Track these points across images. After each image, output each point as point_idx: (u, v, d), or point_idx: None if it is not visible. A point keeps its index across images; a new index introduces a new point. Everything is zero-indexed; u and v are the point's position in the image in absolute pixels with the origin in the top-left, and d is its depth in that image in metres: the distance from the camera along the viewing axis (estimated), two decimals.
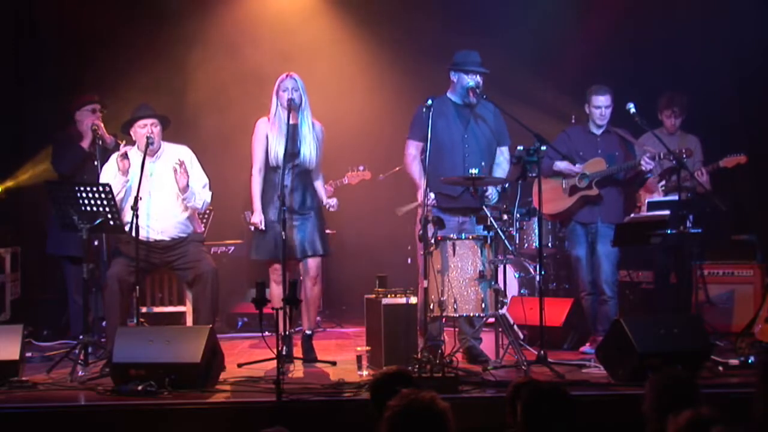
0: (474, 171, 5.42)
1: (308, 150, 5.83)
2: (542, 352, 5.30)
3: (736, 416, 2.84)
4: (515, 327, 6.06)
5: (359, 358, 5.33)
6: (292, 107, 5.76)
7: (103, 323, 5.97)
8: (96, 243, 6.14)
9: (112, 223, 5.46)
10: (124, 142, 6.36)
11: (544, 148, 5.45)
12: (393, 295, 5.45)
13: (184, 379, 4.75)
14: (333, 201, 5.92)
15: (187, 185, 5.77)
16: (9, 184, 7.61)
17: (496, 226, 5.34)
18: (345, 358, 5.84)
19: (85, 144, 6.53)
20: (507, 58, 7.53)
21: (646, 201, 6.65)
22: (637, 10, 8.04)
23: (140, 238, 5.54)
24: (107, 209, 5.40)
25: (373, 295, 5.59)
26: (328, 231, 6.12)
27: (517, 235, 7.10)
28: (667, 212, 6.09)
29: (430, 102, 5.55)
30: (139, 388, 4.64)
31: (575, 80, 7.60)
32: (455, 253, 5.33)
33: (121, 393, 4.66)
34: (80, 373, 5.17)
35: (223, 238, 7.88)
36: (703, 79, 7.59)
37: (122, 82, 7.47)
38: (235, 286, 7.60)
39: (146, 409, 4.49)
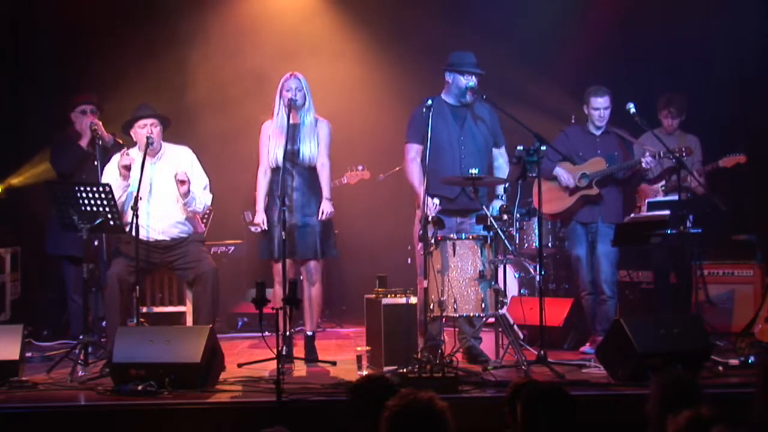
0: (474, 171, 5.42)
1: (308, 149, 5.82)
2: (542, 352, 5.30)
3: (736, 416, 2.83)
4: (515, 327, 6.06)
5: (359, 358, 5.33)
6: (293, 107, 5.76)
7: (103, 323, 5.97)
8: (96, 243, 6.14)
9: (112, 223, 5.46)
10: (122, 142, 6.37)
11: (544, 148, 5.45)
12: (393, 295, 5.46)
13: (184, 379, 4.75)
14: (327, 208, 5.86)
15: (188, 192, 5.77)
16: (9, 184, 7.61)
17: (496, 226, 5.34)
18: (345, 358, 5.84)
19: (84, 143, 6.54)
20: (507, 57, 7.54)
21: (646, 201, 6.65)
22: (636, 10, 8.04)
23: (140, 238, 5.54)
24: (107, 209, 5.40)
25: (373, 295, 5.59)
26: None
27: (517, 235, 7.10)
28: (667, 212, 6.10)
29: (429, 102, 5.55)
30: (139, 388, 4.64)
31: (575, 80, 7.60)
32: (455, 253, 5.32)
33: (121, 393, 4.66)
34: (80, 373, 5.17)
35: (223, 238, 7.88)
36: (703, 79, 7.60)
37: (122, 82, 7.48)
38: (235, 286, 7.60)
39: (146, 409, 4.49)
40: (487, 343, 5.90)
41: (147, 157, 5.76)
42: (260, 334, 5.03)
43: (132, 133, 5.89)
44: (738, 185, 7.42)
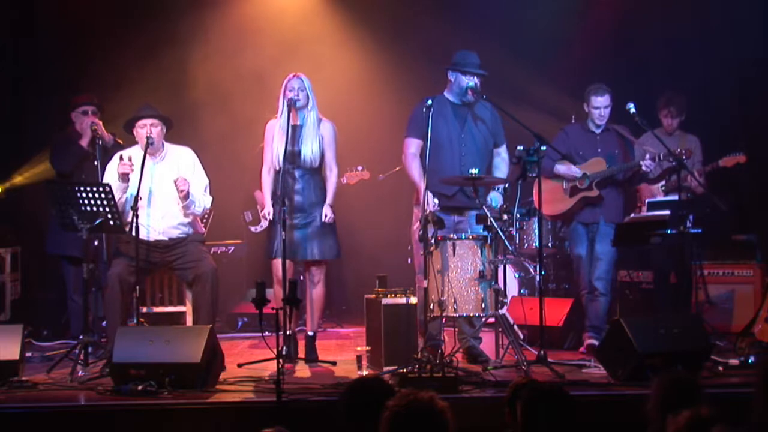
0: (474, 171, 5.42)
1: (309, 150, 5.82)
2: (542, 352, 5.30)
3: (736, 416, 2.83)
4: (515, 327, 6.06)
5: (359, 358, 5.33)
6: (293, 107, 5.76)
7: (103, 323, 5.97)
8: (96, 243, 6.14)
9: (112, 223, 5.46)
10: (122, 142, 6.37)
11: (544, 148, 5.45)
12: (393, 295, 5.46)
13: (184, 379, 4.75)
14: (328, 213, 5.85)
15: (188, 196, 5.77)
16: (9, 183, 7.61)
17: (496, 226, 5.34)
18: (345, 358, 5.84)
19: (84, 143, 6.53)
20: (507, 57, 7.54)
21: (646, 201, 6.65)
22: (636, 9, 8.04)
23: (141, 237, 5.54)
24: (107, 209, 5.40)
25: (373, 295, 5.59)
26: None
27: (517, 235, 7.11)
28: (667, 212, 6.09)
29: (430, 102, 5.55)
30: (139, 388, 4.64)
31: (575, 80, 7.59)
32: (455, 253, 5.33)
33: (121, 393, 4.66)
34: (80, 373, 5.17)
35: (223, 238, 7.87)
36: (703, 79, 7.59)
37: (122, 82, 7.49)
38: (235, 286, 7.60)
39: (146, 409, 4.49)
40: (487, 343, 5.90)
41: (149, 157, 5.77)
42: (260, 334, 5.03)
43: (134, 133, 5.89)
44: (738, 185, 7.41)
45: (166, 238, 5.85)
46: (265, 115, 6.02)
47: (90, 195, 5.38)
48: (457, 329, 5.63)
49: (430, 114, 5.52)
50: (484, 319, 5.72)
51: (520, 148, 5.51)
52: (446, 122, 5.80)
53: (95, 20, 7.77)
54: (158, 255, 5.86)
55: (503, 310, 5.71)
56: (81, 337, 5.44)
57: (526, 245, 7.54)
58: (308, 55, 7.79)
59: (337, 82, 7.82)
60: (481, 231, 5.45)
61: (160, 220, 5.83)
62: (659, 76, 7.87)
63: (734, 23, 7.61)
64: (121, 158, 5.79)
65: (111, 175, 5.81)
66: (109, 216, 5.42)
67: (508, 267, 6.23)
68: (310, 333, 5.93)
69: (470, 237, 5.43)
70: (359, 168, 7.52)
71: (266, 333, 5.02)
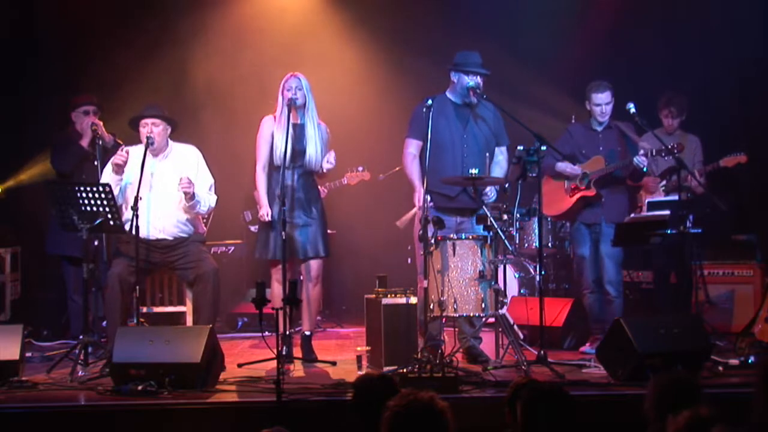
0: (474, 171, 5.42)
1: (314, 150, 5.83)
2: (542, 352, 5.30)
3: (736, 416, 2.83)
4: (515, 327, 6.06)
5: (359, 358, 5.33)
6: (292, 106, 5.76)
7: (103, 323, 5.97)
8: (96, 243, 6.13)
9: (112, 223, 5.46)
10: (122, 142, 6.37)
11: (544, 148, 5.45)
12: (393, 295, 5.45)
13: (184, 379, 4.75)
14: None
15: (193, 196, 5.77)
16: (9, 184, 7.61)
17: (496, 226, 5.34)
18: (345, 358, 5.84)
19: (85, 143, 6.54)
20: (507, 57, 7.54)
21: (646, 201, 6.65)
22: (637, 9, 8.04)
23: (141, 236, 5.53)
24: (107, 209, 5.40)
25: (373, 295, 5.59)
26: (328, 231, 6.11)
27: (517, 235, 7.10)
28: (667, 212, 6.09)
29: (430, 102, 5.55)
30: (139, 388, 4.64)
31: (575, 80, 7.59)
32: (455, 253, 5.32)
33: (121, 393, 4.66)
34: (80, 373, 5.17)
35: (223, 238, 7.88)
36: (703, 79, 7.59)
37: (123, 82, 7.49)
38: (235, 286, 7.60)
39: (146, 409, 4.49)
40: (487, 343, 5.90)
41: (153, 156, 5.77)
42: (260, 334, 5.03)
43: (139, 131, 5.90)
44: (738, 185, 7.41)
45: (168, 237, 5.85)
46: (265, 115, 6.01)
47: (90, 195, 5.38)
48: (457, 329, 5.62)
49: (431, 114, 5.52)
50: (484, 319, 5.72)
51: (520, 148, 5.51)
52: (448, 122, 5.80)
53: (95, 20, 7.77)
54: (159, 255, 5.86)
55: (503, 310, 5.71)
56: (81, 337, 5.44)
57: (526, 245, 7.55)
58: (308, 54, 7.79)
59: (338, 82, 7.83)
60: (481, 231, 5.45)
61: (161, 219, 5.82)
62: (659, 76, 7.87)
63: (734, 23, 7.61)
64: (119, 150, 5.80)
65: (105, 173, 5.82)
66: (109, 216, 5.42)
67: (508, 267, 6.23)
68: (307, 332, 5.93)
69: (470, 237, 5.43)
70: (359, 168, 7.52)
71: (266, 333, 5.02)
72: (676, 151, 5.91)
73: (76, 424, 4.46)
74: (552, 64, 7.92)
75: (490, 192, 5.75)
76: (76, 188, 5.41)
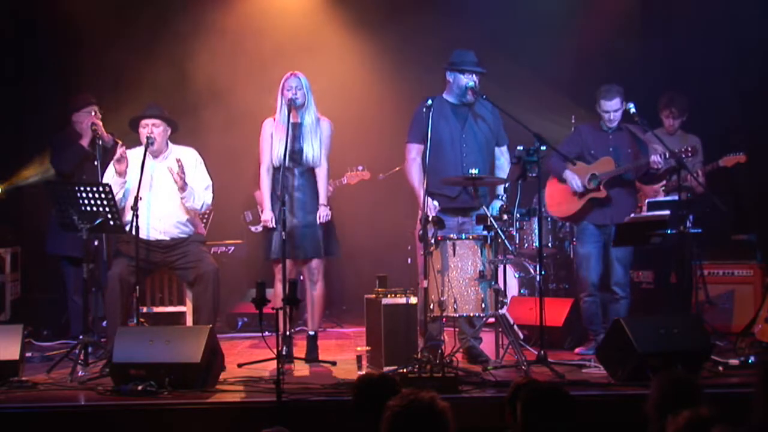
0: (474, 171, 5.42)
1: (310, 149, 5.82)
2: (542, 352, 5.30)
3: (736, 416, 2.83)
4: (515, 327, 6.05)
5: (359, 358, 5.33)
6: (292, 106, 5.76)
7: (103, 323, 5.97)
8: (96, 243, 6.14)
9: (112, 223, 5.46)
10: (121, 142, 6.37)
11: (544, 148, 5.44)
12: (393, 295, 5.46)
13: (184, 379, 4.75)
14: (324, 212, 5.85)
15: (185, 185, 5.76)
16: (9, 184, 7.61)
17: (496, 226, 5.34)
18: (345, 358, 5.84)
19: (85, 143, 6.54)
20: (507, 57, 7.54)
21: (646, 201, 6.64)
22: (637, 10, 8.04)
23: (141, 237, 5.53)
24: (107, 209, 5.40)
25: (373, 295, 5.59)
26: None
27: (517, 235, 7.10)
28: (667, 212, 6.07)
29: (430, 102, 5.55)
30: (139, 388, 4.64)
31: (575, 80, 7.61)
32: (455, 253, 5.33)
33: (121, 393, 4.66)
34: (80, 373, 5.17)
35: (223, 238, 7.87)
36: (703, 79, 7.59)
37: (122, 82, 7.49)
38: (235, 286, 7.60)
39: (146, 409, 4.49)
40: (487, 343, 5.90)
41: (153, 158, 5.77)
42: (260, 334, 5.03)
43: (139, 132, 5.90)
44: (738, 185, 7.41)
45: (168, 238, 5.85)
46: (265, 116, 6.02)
47: (90, 195, 5.38)
48: (457, 329, 5.62)
49: (431, 114, 5.52)
50: (484, 319, 5.72)
51: (520, 148, 5.50)
52: (447, 122, 5.80)
53: (95, 20, 7.76)
54: (159, 255, 5.86)
55: (503, 310, 5.71)
56: (81, 337, 5.44)
57: (526, 245, 7.54)
58: (309, 54, 7.78)
59: (338, 82, 7.82)
60: (481, 231, 5.44)
61: (160, 220, 5.83)
62: (659, 76, 7.87)
63: (734, 23, 7.61)
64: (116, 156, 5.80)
65: (108, 176, 5.82)
66: (109, 216, 5.42)
67: (508, 267, 6.23)
68: (311, 333, 5.93)
69: (470, 237, 5.43)
70: (359, 168, 7.52)
71: (266, 333, 5.02)
72: (690, 155, 5.89)
73: (76, 424, 4.46)
74: (552, 64, 7.92)
75: (493, 209, 5.69)
76: (76, 188, 5.41)
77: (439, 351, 4.99)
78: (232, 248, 7.88)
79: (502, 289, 5.49)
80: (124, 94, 7.06)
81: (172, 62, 7.75)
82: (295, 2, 8.44)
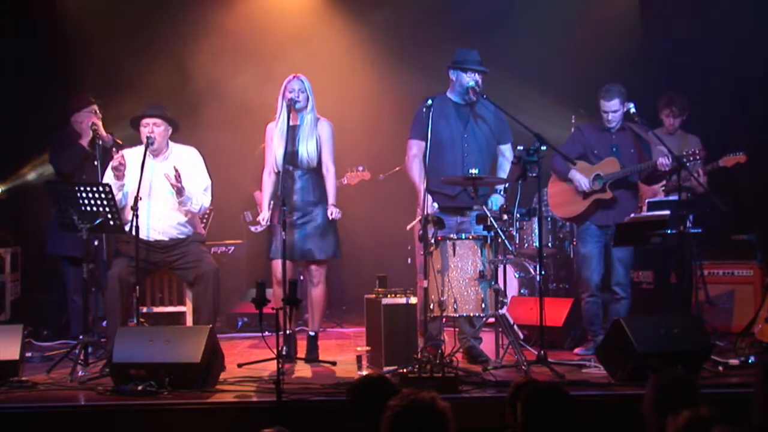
0: (474, 171, 5.42)
1: (305, 150, 5.81)
2: (542, 352, 5.30)
3: (736, 416, 2.83)
4: (515, 327, 6.05)
5: (359, 358, 5.33)
6: (292, 108, 5.76)
7: (103, 323, 5.97)
8: (96, 243, 6.14)
9: (112, 223, 5.46)
10: (121, 142, 6.38)
11: (544, 148, 5.44)
12: (393, 295, 5.46)
13: (184, 379, 4.75)
14: (335, 211, 5.86)
15: (182, 190, 5.76)
16: (9, 184, 7.61)
17: (496, 226, 5.34)
18: (345, 358, 5.84)
19: (85, 143, 6.54)
20: (507, 56, 7.54)
21: (646, 201, 6.64)
22: (637, 10, 8.05)
23: (141, 237, 5.53)
24: (107, 209, 5.40)
25: (373, 295, 5.59)
26: None
27: (517, 235, 7.09)
28: (667, 212, 6.07)
29: (430, 102, 5.55)
30: (139, 388, 4.64)
31: (575, 80, 7.61)
32: (455, 253, 5.33)
33: (121, 393, 4.67)
34: (80, 373, 5.17)
35: (223, 238, 7.88)
36: (703, 79, 7.59)
37: (122, 82, 7.48)
38: (235, 286, 7.60)
39: (146, 409, 4.50)
40: (487, 343, 5.90)
41: (153, 157, 5.77)
42: (260, 334, 5.03)
43: (140, 131, 5.90)
44: (738, 185, 7.41)
45: (166, 238, 5.85)
46: (266, 117, 6.01)
47: (90, 195, 5.38)
48: (457, 329, 5.62)
49: (431, 114, 5.52)
50: (484, 319, 5.72)
51: (520, 148, 5.50)
52: (448, 122, 5.80)
53: (95, 20, 7.77)
54: (158, 255, 5.86)
55: (503, 310, 5.71)
56: (81, 337, 5.44)
57: (526, 245, 7.54)
58: (309, 54, 7.79)
59: (338, 82, 7.83)
60: (481, 231, 5.44)
61: (160, 220, 5.82)
62: (659, 76, 7.87)
63: (735, 23, 7.61)
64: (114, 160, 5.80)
65: (108, 176, 5.83)
66: (109, 216, 5.42)
67: (508, 267, 6.22)
68: (312, 333, 5.93)
69: (470, 237, 5.43)
70: (360, 168, 7.52)
71: (266, 333, 5.02)
72: (698, 158, 5.87)
73: (76, 424, 4.46)
74: (552, 64, 7.92)
75: (493, 204, 5.70)
76: (76, 188, 5.41)
77: (439, 351, 4.99)
78: (232, 248, 7.88)
79: (502, 289, 5.49)
80: (124, 94, 7.06)
81: (172, 62, 7.75)
82: (295, 2, 8.43)
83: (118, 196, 5.68)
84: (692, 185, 6.24)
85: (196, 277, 5.85)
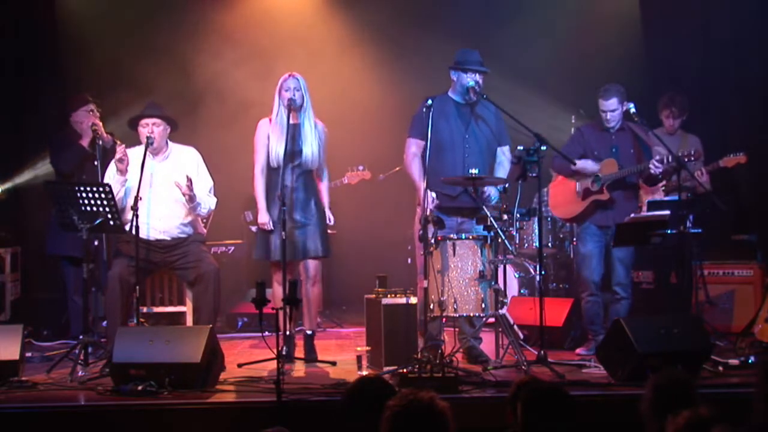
0: (474, 171, 5.42)
1: (310, 150, 5.82)
2: (542, 352, 5.30)
3: (736, 416, 2.83)
4: (515, 327, 6.05)
5: (359, 358, 5.33)
6: (292, 107, 5.76)
7: (103, 323, 5.97)
8: (96, 243, 6.14)
9: (112, 223, 5.46)
10: (120, 142, 6.37)
11: (544, 148, 5.44)
12: (393, 295, 5.45)
13: (184, 379, 4.75)
14: (331, 216, 5.90)
15: (193, 198, 5.76)
16: (9, 184, 7.61)
17: (496, 226, 5.34)
18: (345, 358, 5.84)
19: (85, 143, 6.54)
20: (507, 55, 7.54)
21: (646, 201, 6.64)
22: (637, 10, 8.05)
23: (141, 237, 5.53)
24: (107, 209, 5.40)
25: (373, 295, 5.59)
26: (329, 231, 6.11)
27: (517, 235, 7.09)
28: (667, 212, 6.07)
29: (430, 102, 5.55)
30: (139, 388, 4.64)
31: (575, 81, 7.61)
32: (455, 253, 5.32)
33: (121, 393, 4.66)
34: (80, 373, 5.17)
35: (223, 238, 7.88)
36: (703, 79, 7.59)
37: (122, 82, 7.49)
38: (235, 286, 7.60)
39: (146, 409, 4.49)
40: (487, 343, 5.90)
41: (152, 157, 5.77)
42: (260, 334, 5.03)
43: (138, 131, 5.89)
44: (738, 185, 7.41)
45: (168, 238, 5.85)
46: (266, 115, 6.01)
47: (90, 195, 5.38)
48: (457, 329, 5.62)
49: (431, 114, 5.52)
50: (484, 319, 5.72)
51: (520, 148, 5.50)
52: (449, 122, 5.80)
53: (95, 20, 7.77)
54: (159, 255, 5.86)
55: (503, 310, 5.71)
56: (81, 337, 5.44)
57: (526, 245, 7.54)
58: (309, 53, 7.79)
59: (338, 82, 7.83)
60: (482, 231, 5.44)
61: (161, 220, 5.83)
62: (659, 76, 7.87)
63: (735, 23, 7.61)
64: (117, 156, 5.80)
65: (110, 174, 5.82)
66: (109, 216, 5.42)
67: (508, 267, 6.22)
68: (309, 332, 5.93)
69: (470, 237, 5.43)
70: (360, 168, 7.52)
71: (266, 333, 5.02)
72: (693, 158, 5.87)
73: (76, 424, 4.46)
74: (551, 64, 7.92)
75: (490, 194, 5.73)
76: (76, 188, 5.41)
77: (439, 351, 4.99)
78: (232, 248, 7.88)
79: (502, 289, 5.49)
80: (124, 94, 7.06)
81: (172, 61, 7.75)
82: (295, 2, 8.43)
83: (121, 193, 5.68)
84: (692, 185, 6.25)
85: (197, 277, 5.85)
